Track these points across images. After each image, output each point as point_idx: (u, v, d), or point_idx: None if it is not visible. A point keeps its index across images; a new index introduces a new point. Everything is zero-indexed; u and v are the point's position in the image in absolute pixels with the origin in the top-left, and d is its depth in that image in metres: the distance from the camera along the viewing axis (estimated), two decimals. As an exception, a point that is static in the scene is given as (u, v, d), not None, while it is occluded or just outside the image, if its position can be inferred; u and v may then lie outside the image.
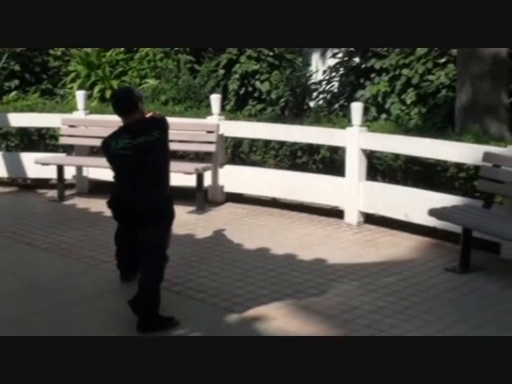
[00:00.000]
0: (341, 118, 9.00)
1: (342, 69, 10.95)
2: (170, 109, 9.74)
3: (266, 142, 8.94)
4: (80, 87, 11.37)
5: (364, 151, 7.63)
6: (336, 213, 7.99)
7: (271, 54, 11.35)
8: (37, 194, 9.41)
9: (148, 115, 5.34)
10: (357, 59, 10.79)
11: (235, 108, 11.04)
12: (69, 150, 9.23)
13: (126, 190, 5.15)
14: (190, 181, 8.12)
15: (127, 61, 12.20)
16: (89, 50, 12.06)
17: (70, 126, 9.22)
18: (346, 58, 10.95)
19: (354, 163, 7.62)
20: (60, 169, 8.94)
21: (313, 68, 12.64)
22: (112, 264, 6.13)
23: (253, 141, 9.05)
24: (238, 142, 9.15)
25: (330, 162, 8.40)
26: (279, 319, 5.14)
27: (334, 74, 11.09)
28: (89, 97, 10.57)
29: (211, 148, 8.47)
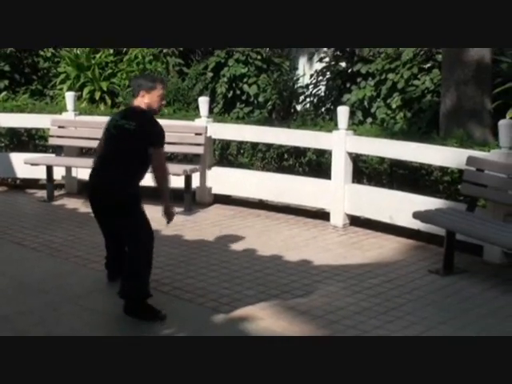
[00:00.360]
0: (327, 122, 9.03)
1: (328, 73, 10.98)
2: (159, 111, 9.74)
3: (254, 145, 8.95)
4: (69, 88, 11.34)
5: (350, 154, 7.65)
6: (322, 215, 8.00)
7: (259, 57, 11.36)
8: (26, 194, 9.37)
9: (142, 106, 5.27)
10: (343, 64, 10.82)
11: (223, 111, 11.04)
12: (58, 150, 9.20)
13: (95, 166, 5.35)
14: (179, 182, 8.11)
15: (116, 63, 12.19)
16: (78, 51, 12.03)
17: (60, 127, 9.19)
18: (332, 63, 10.99)
19: (340, 166, 7.64)
20: (49, 169, 8.91)
21: (300, 72, 12.65)
22: (100, 264, 6.11)
23: (240, 143, 9.06)
24: (225, 145, 9.16)
25: (317, 164, 8.41)
26: (265, 319, 5.14)
27: (320, 78, 11.12)
28: (78, 98, 10.56)
29: (199, 150, 8.47)
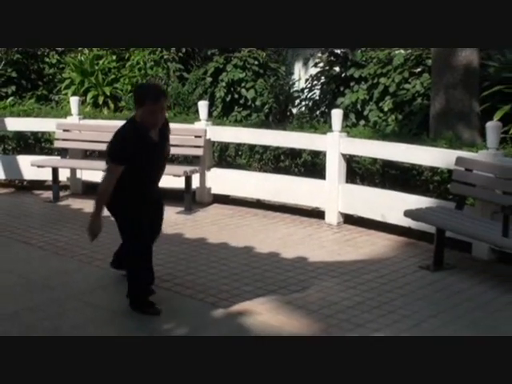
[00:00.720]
0: (322, 124, 9.03)
1: (323, 77, 10.97)
2: (160, 114, 9.74)
3: (251, 147, 8.95)
4: (74, 93, 11.35)
5: (344, 155, 7.66)
6: (317, 213, 8.01)
7: (256, 63, 11.36)
8: (33, 194, 9.38)
9: (136, 118, 5.06)
10: (337, 68, 10.82)
11: (222, 114, 11.04)
12: (63, 153, 9.21)
13: None
14: (179, 183, 8.13)
15: (119, 68, 12.20)
16: (82, 58, 12.04)
17: (65, 131, 9.19)
18: (326, 68, 10.98)
19: (334, 167, 7.65)
20: (55, 171, 8.92)
21: (295, 76, 12.64)
22: (104, 262, 6.13)
23: (238, 145, 9.06)
24: (224, 147, 9.16)
25: (312, 165, 8.42)
26: (263, 314, 5.15)
27: (315, 82, 11.11)
28: (82, 102, 10.58)
29: (199, 152, 8.48)
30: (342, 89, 10.45)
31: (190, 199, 8.34)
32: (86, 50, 12.23)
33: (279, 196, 8.27)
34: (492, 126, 6.37)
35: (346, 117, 8.94)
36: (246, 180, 8.48)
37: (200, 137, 8.47)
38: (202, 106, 8.77)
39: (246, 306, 5.31)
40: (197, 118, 8.90)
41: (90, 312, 5.22)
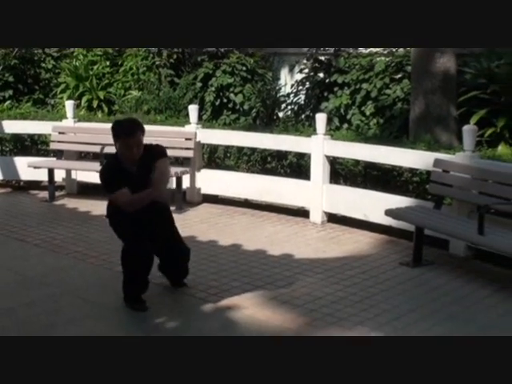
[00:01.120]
0: (307, 128, 9.03)
1: (308, 83, 10.98)
2: (152, 118, 9.74)
3: (239, 149, 8.96)
4: (69, 97, 11.30)
5: (327, 157, 7.68)
6: (302, 212, 8.02)
7: (244, 68, 11.35)
8: (29, 194, 9.34)
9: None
10: (321, 74, 10.83)
11: (211, 118, 11.02)
12: (59, 154, 9.19)
13: None
14: (170, 183, 8.11)
15: (113, 73, 12.16)
16: (77, 63, 12.00)
17: (60, 133, 9.17)
18: (311, 74, 10.99)
19: (319, 168, 7.67)
20: (51, 172, 8.89)
21: (282, 82, 12.63)
22: (98, 259, 6.11)
23: (227, 147, 9.07)
24: (213, 149, 9.16)
25: (297, 166, 8.43)
26: (250, 308, 5.16)
27: (300, 87, 11.11)
28: (77, 106, 10.53)
29: (189, 154, 8.48)
30: (325, 94, 10.47)
31: (180, 199, 8.34)
32: (81, 56, 12.18)
33: (266, 196, 8.27)
34: (468, 130, 6.40)
35: (329, 120, 8.96)
36: (235, 180, 8.48)
37: (190, 139, 8.47)
38: (193, 109, 8.77)
39: (233, 300, 5.32)
40: (187, 122, 8.89)
41: (86, 307, 5.20)
